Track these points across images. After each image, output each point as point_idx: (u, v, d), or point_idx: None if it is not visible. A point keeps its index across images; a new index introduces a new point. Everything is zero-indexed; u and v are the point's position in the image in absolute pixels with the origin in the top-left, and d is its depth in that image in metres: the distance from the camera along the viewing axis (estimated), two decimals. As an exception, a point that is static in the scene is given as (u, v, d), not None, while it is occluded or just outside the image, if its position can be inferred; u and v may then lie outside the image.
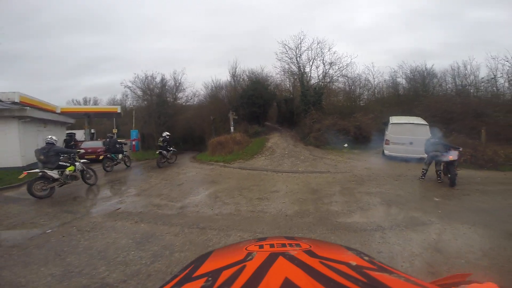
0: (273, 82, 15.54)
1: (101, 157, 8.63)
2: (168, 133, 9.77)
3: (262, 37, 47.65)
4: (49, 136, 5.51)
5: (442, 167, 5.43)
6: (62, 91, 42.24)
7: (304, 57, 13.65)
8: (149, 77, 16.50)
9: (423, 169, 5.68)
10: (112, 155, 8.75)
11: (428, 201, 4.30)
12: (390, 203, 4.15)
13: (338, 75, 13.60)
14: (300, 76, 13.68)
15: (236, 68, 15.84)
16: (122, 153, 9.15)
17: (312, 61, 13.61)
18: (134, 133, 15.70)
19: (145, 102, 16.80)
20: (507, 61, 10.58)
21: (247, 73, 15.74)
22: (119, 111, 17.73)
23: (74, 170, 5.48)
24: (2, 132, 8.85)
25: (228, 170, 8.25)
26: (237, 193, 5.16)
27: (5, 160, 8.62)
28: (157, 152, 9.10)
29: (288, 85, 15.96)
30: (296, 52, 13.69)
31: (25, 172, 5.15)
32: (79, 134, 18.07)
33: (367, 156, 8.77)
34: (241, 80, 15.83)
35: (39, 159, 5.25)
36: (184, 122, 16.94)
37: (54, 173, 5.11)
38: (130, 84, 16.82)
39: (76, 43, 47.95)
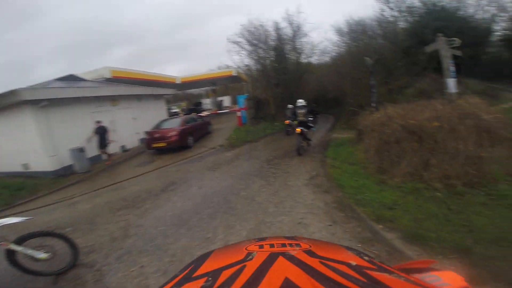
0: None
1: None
2: (302, 101, 6.72)
3: None
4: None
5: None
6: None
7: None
8: (259, 27, 13.68)
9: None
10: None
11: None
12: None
13: None
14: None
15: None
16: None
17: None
18: (241, 100, 12.78)
19: (259, 60, 14.00)
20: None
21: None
22: (234, 74, 17.22)
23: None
24: (18, 126, 7.07)
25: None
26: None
27: (32, 163, 7.45)
28: (297, 130, 6.24)
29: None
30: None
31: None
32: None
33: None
34: (404, 10, 10.58)
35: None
36: (314, 82, 15.54)
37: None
38: (238, 39, 13.82)
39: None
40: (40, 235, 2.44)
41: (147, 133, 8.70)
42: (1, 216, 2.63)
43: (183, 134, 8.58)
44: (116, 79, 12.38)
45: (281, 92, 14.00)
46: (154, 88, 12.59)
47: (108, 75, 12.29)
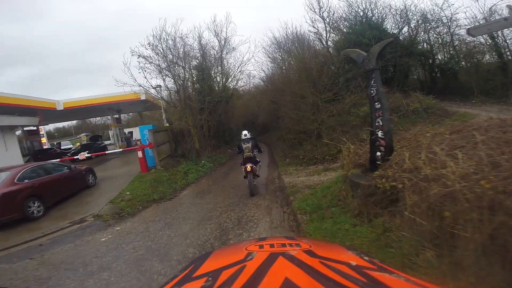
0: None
1: None
2: (247, 133, 6.69)
3: None
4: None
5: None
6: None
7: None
8: (176, 38, 12.47)
9: None
10: None
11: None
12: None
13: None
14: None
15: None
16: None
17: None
18: (143, 131, 10.44)
19: (177, 80, 12.51)
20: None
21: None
22: (143, 98, 15.15)
23: None
24: None
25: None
26: None
27: None
28: (244, 169, 6.26)
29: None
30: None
31: None
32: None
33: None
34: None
35: None
36: (242, 107, 16.11)
37: None
38: (147, 52, 12.13)
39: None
40: None
41: None
42: None
43: (9, 200, 6.13)
44: None
45: (207, 120, 13.47)
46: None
47: None
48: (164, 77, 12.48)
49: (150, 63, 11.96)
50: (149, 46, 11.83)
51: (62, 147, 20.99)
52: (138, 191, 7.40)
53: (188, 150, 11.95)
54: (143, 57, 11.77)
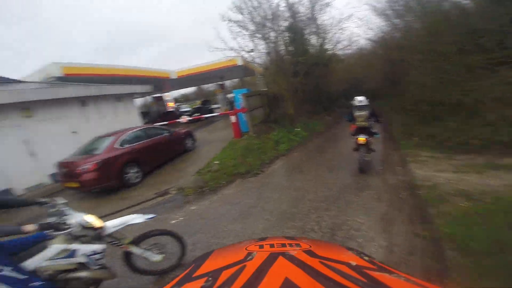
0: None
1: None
2: (363, 99, 5.71)
3: None
4: None
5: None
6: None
7: None
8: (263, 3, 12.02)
9: None
10: None
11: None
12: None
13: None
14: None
15: None
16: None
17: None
18: (238, 96, 10.40)
19: (269, 44, 11.94)
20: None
21: None
22: (239, 63, 16.12)
23: None
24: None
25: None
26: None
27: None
28: (358, 142, 5.40)
29: None
30: None
31: None
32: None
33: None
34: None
35: None
36: (343, 71, 15.25)
37: None
38: (235, 16, 12.14)
39: None
40: (154, 235, 2.72)
41: (58, 164, 6.54)
42: None
43: (108, 166, 6.18)
44: (71, 77, 11.53)
45: (302, 83, 12.15)
46: (110, 86, 11.23)
47: (58, 73, 11.26)
48: (255, 40, 11.78)
49: (240, 26, 11.48)
50: (236, 9, 11.41)
51: (181, 110, 24.93)
52: (227, 160, 7.22)
53: (282, 116, 11.40)
54: (233, 21, 11.41)
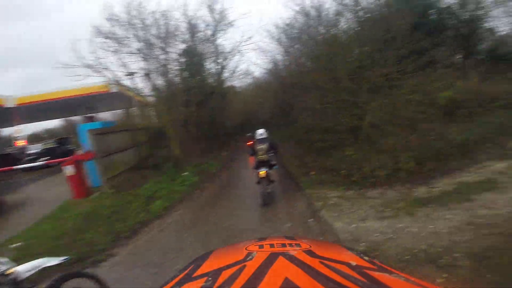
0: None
1: None
2: (263, 131, 6.11)
3: None
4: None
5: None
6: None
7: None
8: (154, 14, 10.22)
9: None
10: None
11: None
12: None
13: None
14: None
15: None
16: None
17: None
18: (83, 132, 7.56)
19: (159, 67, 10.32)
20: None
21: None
22: (114, 90, 13.40)
23: None
24: None
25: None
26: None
27: None
28: (260, 174, 5.52)
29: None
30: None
31: None
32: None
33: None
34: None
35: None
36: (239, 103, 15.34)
37: None
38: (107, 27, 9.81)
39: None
40: (75, 276, 2.53)
41: None
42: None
43: None
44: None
45: (195, 115, 11.06)
46: None
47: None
48: (138, 61, 10.06)
49: (119, 43, 9.40)
50: (114, 20, 9.41)
51: (29, 151, 17.78)
52: (43, 239, 4.66)
53: (166, 158, 9.70)
54: (108, 35, 9.36)
